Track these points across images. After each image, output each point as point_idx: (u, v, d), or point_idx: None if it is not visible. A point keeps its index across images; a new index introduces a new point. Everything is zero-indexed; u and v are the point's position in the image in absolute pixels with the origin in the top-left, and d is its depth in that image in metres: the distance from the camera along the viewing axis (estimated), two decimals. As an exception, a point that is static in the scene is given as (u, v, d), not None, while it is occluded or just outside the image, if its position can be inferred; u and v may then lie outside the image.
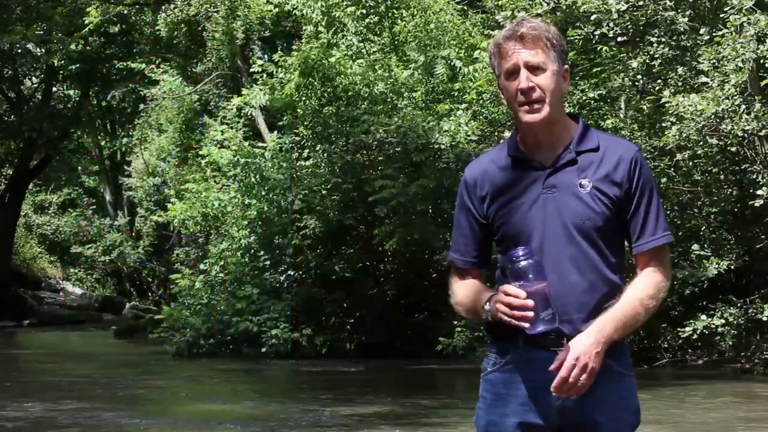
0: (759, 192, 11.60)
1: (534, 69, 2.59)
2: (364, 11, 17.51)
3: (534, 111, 2.60)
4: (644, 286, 2.61)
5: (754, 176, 12.21)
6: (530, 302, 2.49)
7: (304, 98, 16.31)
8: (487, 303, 2.61)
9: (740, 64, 11.16)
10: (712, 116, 11.42)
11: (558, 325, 2.54)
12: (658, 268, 2.65)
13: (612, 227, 2.62)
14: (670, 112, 11.81)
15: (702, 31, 12.02)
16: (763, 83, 11.32)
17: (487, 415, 2.71)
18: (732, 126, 11.33)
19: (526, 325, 2.51)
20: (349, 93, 16.16)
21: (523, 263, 2.53)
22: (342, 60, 16.05)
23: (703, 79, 11.64)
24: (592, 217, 2.59)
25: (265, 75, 17.24)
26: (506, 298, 2.52)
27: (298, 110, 16.61)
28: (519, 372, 2.64)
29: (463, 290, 2.75)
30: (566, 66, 2.66)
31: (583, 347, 2.50)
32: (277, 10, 19.76)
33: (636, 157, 2.63)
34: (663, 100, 11.86)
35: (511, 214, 2.65)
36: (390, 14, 17.49)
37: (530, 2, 12.88)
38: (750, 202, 12.13)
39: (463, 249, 2.76)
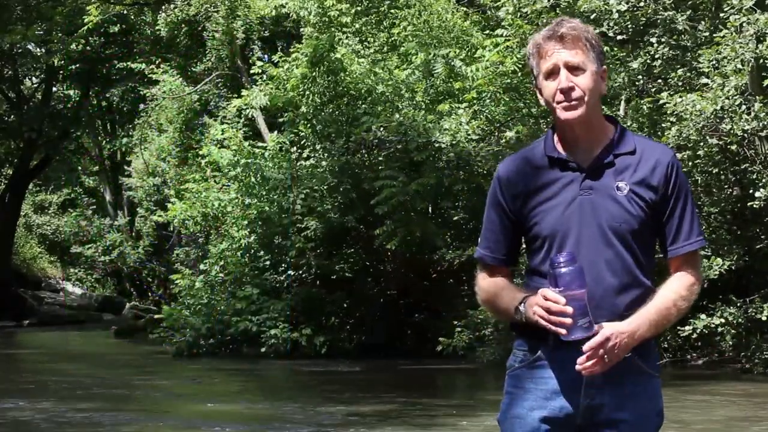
0: (757, 194, 11.59)
1: (574, 69, 2.60)
2: (359, 8, 17.51)
3: (572, 108, 2.60)
4: (678, 288, 2.63)
5: (754, 176, 12.20)
6: (569, 309, 2.48)
7: (307, 93, 16.28)
8: (522, 304, 2.61)
9: (740, 65, 11.15)
10: (712, 116, 11.42)
11: (591, 333, 2.53)
12: (691, 271, 2.66)
13: (647, 230, 2.64)
14: (669, 112, 11.80)
15: (701, 27, 12.01)
16: (765, 83, 11.31)
17: (511, 408, 2.71)
18: (732, 126, 11.32)
19: (563, 331, 2.50)
20: (351, 92, 16.15)
21: (564, 269, 2.50)
22: (347, 56, 16.05)
23: (704, 80, 11.63)
24: (628, 220, 2.60)
25: (265, 76, 17.23)
26: (545, 303, 2.51)
27: (302, 108, 16.58)
28: (548, 369, 2.64)
29: (492, 288, 2.74)
30: (604, 67, 2.67)
31: (616, 330, 2.51)
32: (274, 13, 19.83)
33: (673, 161, 2.64)
34: (661, 102, 11.86)
35: (546, 213, 2.64)
36: (389, 14, 17.50)
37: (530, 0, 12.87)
38: (749, 203, 12.12)
39: (493, 246, 2.75)
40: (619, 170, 2.63)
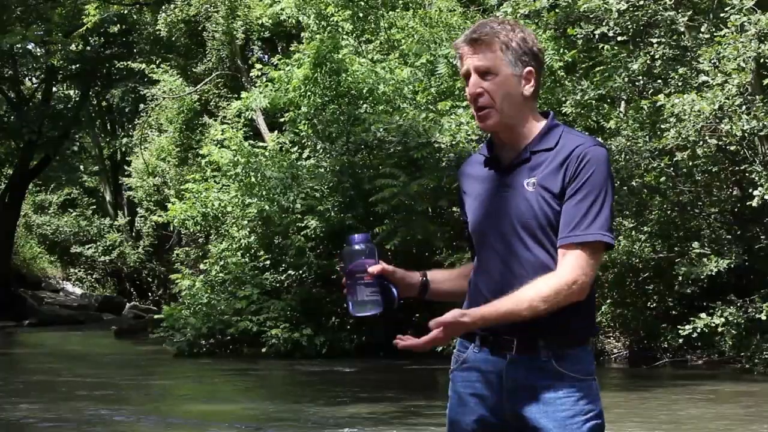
0: (755, 192, 11.58)
1: (483, 74, 2.58)
2: (361, 14, 17.54)
3: (482, 118, 2.61)
4: (542, 287, 2.49)
5: (753, 176, 12.20)
6: (343, 280, 2.60)
7: (308, 94, 16.28)
8: None
9: (742, 64, 11.15)
10: (711, 116, 11.42)
11: (375, 313, 2.64)
12: (572, 268, 2.50)
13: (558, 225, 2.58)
14: (667, 113, 11.80)
15: (702, 29, 12.01)
16: (765, 82, 11.31)
17: (450, 412, 2.76)
18: (731, 126, 11.32)
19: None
20: (352, 92, 16.15)
21: (345, 248, 2.61)
22: (349, 57, 16.05)
23: (703, 78, 11.63)
24: (535, 216, 2.56)
25: (264, 78, 17.22)
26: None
27: (303, 108, 16.57)
28: (475, 372, 2.66)
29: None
30: (530, 68, 2.60)
31: (457, 313, 2.52)
32: (270, 22, 19.86)
33: (585, 152, 2.53)
34: (659, 104, 11.85)
35: (473, 211, 2.69)
36: (387, 15, 17.51)
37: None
38: (748, 203, 12.12)
39: (468, 243, 2.82)
40: (533, 167, 2.60)
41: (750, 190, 11.95)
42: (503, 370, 2.60)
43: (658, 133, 12.48)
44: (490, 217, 2.64)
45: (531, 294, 2.49)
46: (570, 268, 2.50)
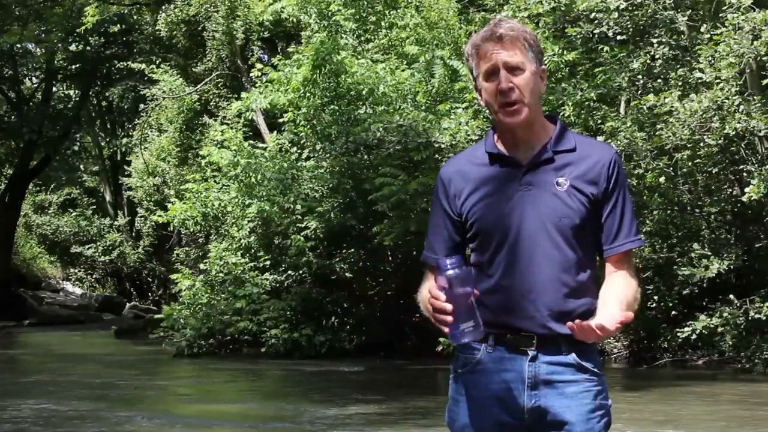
0: (746, 189, 11.57)
1: (512, 69, 2.59)
2: (363, 15, 17.54)
3: (514, 113, 2.59)
4: (624, 290, 2.58)
5: (749, 175, 12.21)
6: (448, 307, 2.44)
7: (308, 95, 16.28)
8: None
9: (732, 60, 11.15)
10: (706, 115, 11.43)
11: (479, 337, 2.49)
12: (630, 272, 2.64)
13: (588, 226, 2.61)
14: (661, 111, 11.81)
15: (702, 29, 12.02)
16: (764, 82, 11.31)
17: (462, 417, 2.70)
18: (726, 125, 11.33)
19: (446, 329, 2.47)
20: (352, 92, 16.15)
21: (449, 272, 2.46)
22: (348, 59, 16.06)
23: (698, 74, 11.64)
24: (569, 215, 2.57)
25: (264, 78, 17.23)
26: (432, 299, 2.47)
27: (302, 108, 16.57)
28: (490, 372, 2.62)
29: (425, 290, 2.67)
30: (543, 66, 2.66)
31: (612, 318, 2.43)
32: (272, 18, 19.86)
33: (614, 158, 2.63)
34: (649, 104, 11.85)
35: (486, 210, 2.63)
36: (388, 14, 17.52)
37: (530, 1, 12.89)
38: (741, 198, 12.11)
39: (435, 247, 2.73)
40: (558, 167, 2.61)
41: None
42: (523, 367, 2.58)
43: (656, 132, 12.49)
44: (509, 216, 2.60)
45: (625, 294, 2.57)
46: (631, 271, 2.64)
